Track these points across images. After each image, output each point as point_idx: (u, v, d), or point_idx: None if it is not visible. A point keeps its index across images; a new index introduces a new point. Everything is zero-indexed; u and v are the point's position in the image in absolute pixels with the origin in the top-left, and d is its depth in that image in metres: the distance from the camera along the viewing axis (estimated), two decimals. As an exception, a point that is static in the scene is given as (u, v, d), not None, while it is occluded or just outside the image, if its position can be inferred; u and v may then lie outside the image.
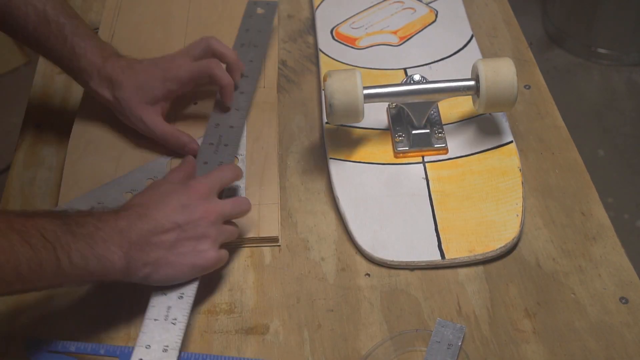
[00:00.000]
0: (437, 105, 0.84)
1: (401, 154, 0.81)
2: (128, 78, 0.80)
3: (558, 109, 0.88)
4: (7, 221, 0.59)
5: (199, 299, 0.69)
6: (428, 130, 0.82)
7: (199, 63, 0.82)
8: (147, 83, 0.81)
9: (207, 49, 0.83)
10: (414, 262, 0.72)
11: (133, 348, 0.63)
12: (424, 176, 0.79)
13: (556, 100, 0.89)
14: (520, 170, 0.79)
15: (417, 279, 0.72)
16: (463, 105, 0.86)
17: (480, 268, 0.72)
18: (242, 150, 0.82)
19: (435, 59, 0.93)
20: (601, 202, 0.78)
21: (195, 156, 0.80)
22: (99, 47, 0.82)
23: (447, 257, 0.72)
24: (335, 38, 0.97)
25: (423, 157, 0.81)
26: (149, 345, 0.63)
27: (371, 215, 0.76)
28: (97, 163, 0.81)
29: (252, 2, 0.98)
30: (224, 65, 0.84)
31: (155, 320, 0.65)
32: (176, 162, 0.81)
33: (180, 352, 0.63)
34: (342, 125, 0.84)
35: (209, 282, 0.71)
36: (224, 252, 0.69)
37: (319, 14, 1.01)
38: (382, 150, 0.82)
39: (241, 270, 0.73)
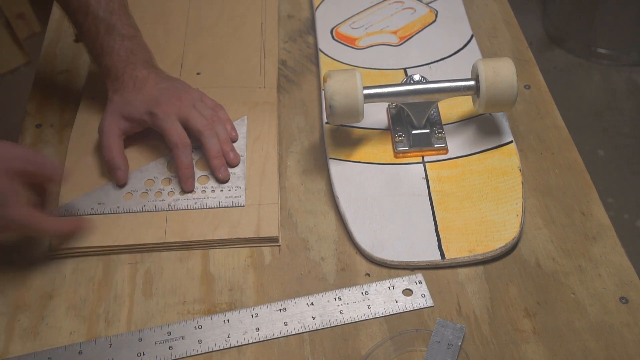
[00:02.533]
0: (437, 105, 0.84)
1: (401, 154, 0.81)
2: (130, 90, 0.80)
3: (558, 109, 0.88)
4: None
5: (200, 299, 0.70)
6: (428, 130, 0.82)
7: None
8: (135, 101, 0.79)
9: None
10: (414, 262, 0.72)
11: None
12: (424, 176, 0.79)
13: (556, 100, 0.89)
14: (520, 170, 0.79)
15: (417, 279, 0.72)
16: (463, 105, 0.86)
17: (480, 268, 0.72)
18: (243, 150, 0.82)
19: (435, 59, 0.93)
20: (601, 202, 0.78)
21: (121, 186, 0.78)
22: (130, 51, 0.82)
23: (447, 257, 0.72)
24: (335, 38, 0.97)
25: (423, 157, 0.81)
26: None
27: (371, 215, 0.76)
28: (97, 163, 0.81)
29: None
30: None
31: None
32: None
33: None
34: (342, 125, 0.84)
35: (209, 281, 0.71)
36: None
37: (319, 14, 1.01)
38: (382, 150, 0.82)
39: (241, 270, 0.73)
